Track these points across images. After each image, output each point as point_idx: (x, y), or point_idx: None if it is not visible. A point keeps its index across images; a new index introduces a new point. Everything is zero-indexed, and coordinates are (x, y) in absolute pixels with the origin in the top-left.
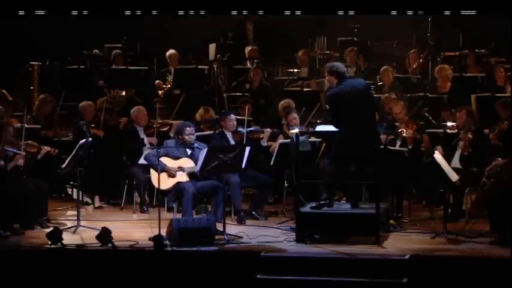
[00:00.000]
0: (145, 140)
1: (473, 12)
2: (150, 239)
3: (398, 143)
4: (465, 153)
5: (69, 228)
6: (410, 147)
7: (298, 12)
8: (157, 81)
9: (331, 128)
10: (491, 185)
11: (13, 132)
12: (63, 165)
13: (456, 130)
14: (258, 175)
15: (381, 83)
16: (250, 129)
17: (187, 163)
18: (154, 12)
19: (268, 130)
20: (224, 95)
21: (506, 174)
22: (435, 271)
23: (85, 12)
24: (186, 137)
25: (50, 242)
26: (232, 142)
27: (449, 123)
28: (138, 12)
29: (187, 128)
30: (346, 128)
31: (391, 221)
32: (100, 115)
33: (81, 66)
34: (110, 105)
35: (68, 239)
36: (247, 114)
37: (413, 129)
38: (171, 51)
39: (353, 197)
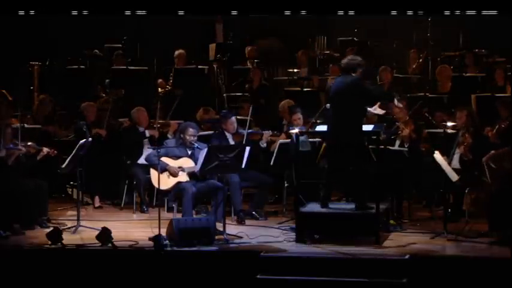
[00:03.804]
0: (147, 132)
1: (473, 12)
2: (150, 239)
3: (398, 142)
4: (465, 159)
5: (69, 228)
6: (406, 146)
7: (303, 12)
8: (160, 80)
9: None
10: (490, 185)
11: (12, 132)
12: (63, 165)
13: (455, 130)
14: (258, 175)
15: (381, 83)
16: (250, 131)
17: (187, 163)
18: (149, 13)
19: (268, 132)
20: (224, 95)
21: (506, 174)
22: (435, 271)
23: (85, 12)
24: (187, 137)
25: (50, 242)
26: (232, 142)
27: (449, 123)
28: (140, 12)
29: (191, 129)
30: (331, 121)
31: (391, 221)
32: (103, 115)
33: (81, 66)
34: (109, 106)
35: (68, 239)
36: (249, 114)
37: (410, 128)
38: (180, 50)
39: (355, 197)
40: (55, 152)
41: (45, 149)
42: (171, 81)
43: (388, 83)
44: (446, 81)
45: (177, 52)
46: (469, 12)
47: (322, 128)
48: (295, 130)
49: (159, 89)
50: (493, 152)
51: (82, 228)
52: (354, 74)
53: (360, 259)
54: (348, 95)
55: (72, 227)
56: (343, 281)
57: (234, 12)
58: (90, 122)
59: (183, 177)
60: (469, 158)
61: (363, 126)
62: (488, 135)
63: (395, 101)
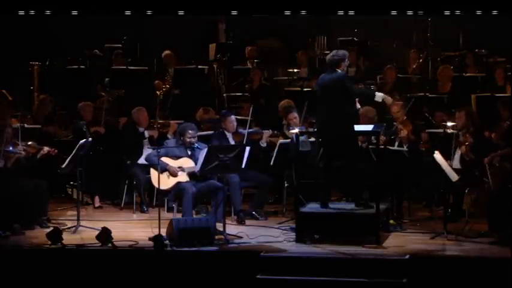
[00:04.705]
0: (146, 133)
1: (474, 12)
2: (150, 239)
3: (397, 142)
4: (466, 158)
5: (69, 228)
6: (405, 146)
7: (303, 12)
8: (157, 81)
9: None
10: (491, 185)
11: (12, 132)
12: (63, 165)
13: (455, 131)
14: (258, 175)
15: (380, 81)
16: (250, 130)
17: (187, 163)
18: (149, 12)
19: (268, 131)
20: (224, 95)
21: (506, 174)
22: (435, 271)
23: (85, 12)
24: (187, 140)
25: (50, 242)
26: (233, 142)
27: (449, 123)
28: (140, 12)
29: (190, 131)
30: (317, 119)
31: (391, 221)
32: (101, 114)
33: (81, 66)
34: (105, 104)
35: (68, 239)
36: (249, 114)
37: (408, 130)
38: (167, 51)
39: (352, 195)
40: (56, 151)
41: (46, 148)
42: (166, 81)
43: (391, 82)
44: (447, 81)
45: (164, 54)
46: (469, 13)
47: None
48: (295, 130)
49: (157, 91)
50: (498, 152)
51: (82, 228)
52: (338, 70)
53: (360, 259)
54: (332, 90)
55: (72, 227)
56: (343, 281)
57: (234, 12)
58: (88, 122)
59: (183, 177)
60: (471, 158)
61: (362, 126)
62: (490, 136)
63: (378, 97)
